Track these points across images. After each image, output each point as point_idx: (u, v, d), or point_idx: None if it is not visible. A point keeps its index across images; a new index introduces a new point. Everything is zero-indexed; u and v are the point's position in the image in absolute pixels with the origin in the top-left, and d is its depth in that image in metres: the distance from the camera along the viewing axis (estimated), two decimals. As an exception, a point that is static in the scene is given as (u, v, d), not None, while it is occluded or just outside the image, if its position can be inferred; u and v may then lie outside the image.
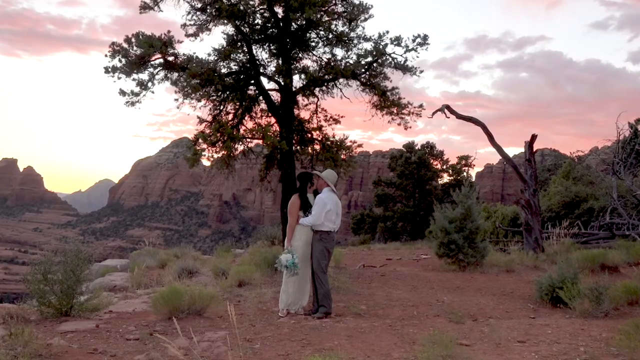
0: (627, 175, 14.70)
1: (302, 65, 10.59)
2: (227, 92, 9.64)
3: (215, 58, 9.54)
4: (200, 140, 9.21)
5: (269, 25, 10.03)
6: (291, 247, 6.15)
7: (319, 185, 6.44)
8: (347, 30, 10.15)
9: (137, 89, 9.00)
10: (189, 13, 9.69)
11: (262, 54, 10.46)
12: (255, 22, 10.02)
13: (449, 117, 12.80)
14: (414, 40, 10.06)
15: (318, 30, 10.18)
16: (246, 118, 10.20)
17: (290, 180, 9.82)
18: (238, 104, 9.95)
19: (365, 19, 10.21)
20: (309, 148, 10.31)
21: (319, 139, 10.36)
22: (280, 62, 10.06)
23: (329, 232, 6.23)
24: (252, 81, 10.03)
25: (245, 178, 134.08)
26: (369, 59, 10.04)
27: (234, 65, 9.96)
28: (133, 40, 8.77)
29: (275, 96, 10.35)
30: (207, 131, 9.39)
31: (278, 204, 13.39)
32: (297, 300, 6.27)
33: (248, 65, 9.98)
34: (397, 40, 10.05)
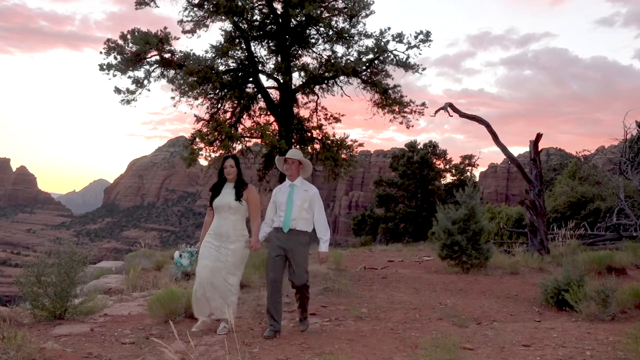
0: (635, 175, 14.54)
1: (301, 62, 10.60)
2: (225, 90, 9.57)
3: (213, 55, 9.49)
4: (197, 140, 9.16)
5: (268, 21, 9.96)
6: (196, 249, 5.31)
7: (292, 175, 5.17)
8: (347, 26, 10.09)
9: (132, 87, 8.97)
10: (185, 9, 9.68)
11: (260, 51, 10.44)
12: (254, 18, 9.96)
13: (451, 116, 12.63)
14: (416, 37, 9.99)
15: (318, 27, 10.12)
16: (244, 116, 10.16)
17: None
18: (236, 102, 9.89)
19: (367, 15, 10.17)
20: (309, 147, 10.24)
21: (319, 138, 10.29)
22: (279, 59, 9.99)
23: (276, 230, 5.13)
24: (251, 79, 9.97)
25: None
26: (370, 56, 9.97)
27: (232, 62, 9.93)
28: (129, 37, 8.69)
29: (274, 94, 10.30)
30: (205, 130, 9.34)
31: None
32: (205, 310, 5.12)
33: (246, 62, 9.90)
34: (399, 37, 10.00)
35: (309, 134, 10.34)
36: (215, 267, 5.02)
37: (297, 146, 10.17)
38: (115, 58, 8.79)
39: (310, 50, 10.48)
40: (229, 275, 5.07)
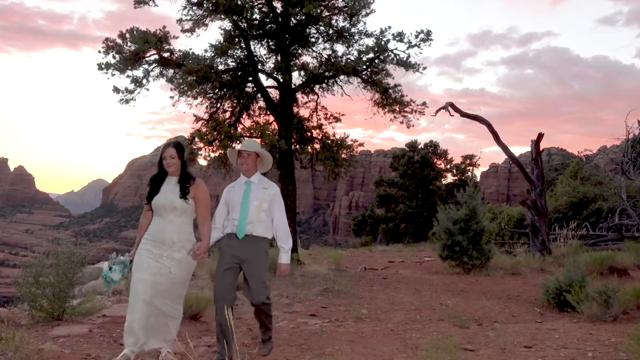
0: (637, 175, 14.49)
1: (301, 61, 10.52)
2: (224, 90, 9.55)
3: (212, 54, 9.43)
4: (196, 139, 9.14)
5: (268, 20, 9.92)
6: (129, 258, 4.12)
7: (248, 170, 4.32)
8: (348, 25, 10.03)
9: (131, 86, 8.89)
10: (184, 8, 9.62)
11: (260, 50, 10.38)
12: (254, 17, 9.91)
13: (452, 116, 12.65)
14: (416, 36, 9.93)
15: (318, 26, 10.06)
16: (244, 116, 10.13)
17: (290, 180, 9.68)
18: (235, 101, 9.87)
19: (367, 14, 10.09)
20: (309, 147, 10.20)
21: (319, 137, 10.24)
22: (279, 58, 9.94)
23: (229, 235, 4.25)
24: (250, 78, 9.93)
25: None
26: (371, 55, 9.92)
27: (232, 61, 9.88)
28: (127, 35, 8.65)
29: (274, 94, 10.26)
30: (204, 130, 9.32)
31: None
32: (141, 341, 3.91)
33: (246, 61, 9.86)
34: (399, 36, 9.94)
35: (309, 134, 10.28)
36: (157, 282, 3.91)
37: (297, 145, 10.11)
38: (114, 57, 8.73)
39: (310, 50, 10.43)
40: (175, 296, 4.04)
